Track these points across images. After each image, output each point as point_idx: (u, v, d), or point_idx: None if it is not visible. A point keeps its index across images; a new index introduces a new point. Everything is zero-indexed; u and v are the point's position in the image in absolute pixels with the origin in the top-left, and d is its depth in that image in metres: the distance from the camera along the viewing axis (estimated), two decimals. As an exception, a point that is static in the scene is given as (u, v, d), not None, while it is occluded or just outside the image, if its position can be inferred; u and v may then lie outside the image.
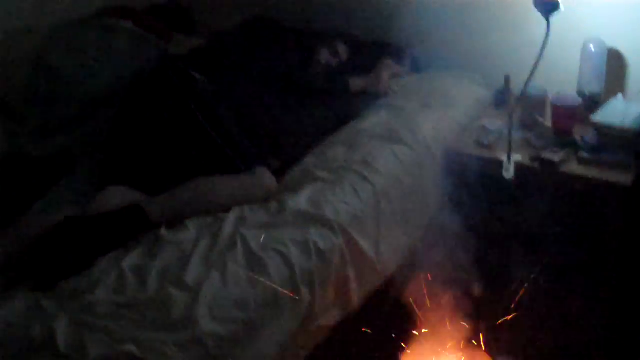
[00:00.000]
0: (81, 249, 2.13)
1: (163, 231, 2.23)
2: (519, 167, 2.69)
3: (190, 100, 2.54)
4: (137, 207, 2.28)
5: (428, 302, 2.49)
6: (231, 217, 2.30)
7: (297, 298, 2.10)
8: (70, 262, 2.09)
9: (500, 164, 2.68)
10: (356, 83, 3.15)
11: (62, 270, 2.06)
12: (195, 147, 2.50)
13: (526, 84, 2.62)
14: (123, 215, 2.25)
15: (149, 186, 2.42)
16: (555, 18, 2.58)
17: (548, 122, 2.91)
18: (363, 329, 2.39)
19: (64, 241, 2.12)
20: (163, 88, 2.61)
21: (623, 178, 2.60)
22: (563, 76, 3.06)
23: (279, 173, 2.59)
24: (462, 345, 2.40)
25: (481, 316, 2.49)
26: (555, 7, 2.57)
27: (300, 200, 2.36)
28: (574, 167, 2.70)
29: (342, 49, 3.30)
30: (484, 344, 2.40)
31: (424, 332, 2.45)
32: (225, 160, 2.48)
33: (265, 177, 2.48)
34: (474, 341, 2.41)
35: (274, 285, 2.03)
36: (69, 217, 2.17)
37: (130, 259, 2.10)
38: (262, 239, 2.17)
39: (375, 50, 3.38)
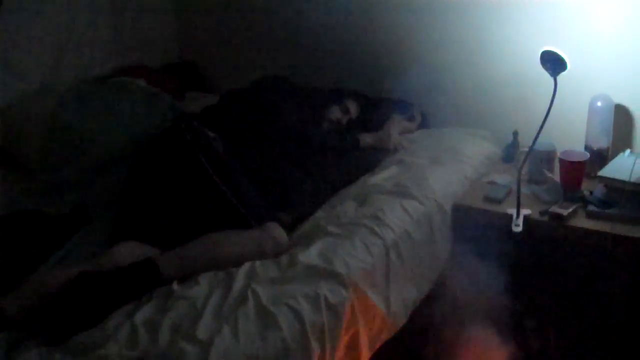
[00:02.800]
0: (94, 303, 2.14)
1: (175, 286, 2.25)
2: (528, 221, 2.71)
3: (203, 157, 2.59)
4: (149, 262, 2.30)
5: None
6: (242, 271, 2.31)
7: (307, 352, 2.10)
8: (83, 316, 2.10)
9: (509, 218, 2.72)
10: (366, 140, 3.20)
11: (75, 325, 2.07)
12: (207, 203, 2.54)
13: (535, 139, 2.66)
14: (136, 270, 2.27)
15: (162, 241, 2.45)
16: (562, 75, 2.63)
17: (556, 177, 2.93)
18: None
19: (77, 296, 2.14)
20: (176, 145, 2.66)
21: (632, 231, 2.61)
22: (571, 132, 3.10)
23: (289, 228, 2.61)
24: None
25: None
26: (562, 66, 2.63)
27: (311, 255, 2.38)
28: (582, 221, 2.72)
29: (352, 106, 3.35)
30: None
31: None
32: (236, 215, 2.52)
33: (276, 232, 2.50)
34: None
35: (285, 340, 2.04)
36: (83, 272, 2.20)
37: (143, 314, 2.11)
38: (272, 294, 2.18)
39: (385, 106, 3.43)
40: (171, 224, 2.51)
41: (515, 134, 3.21)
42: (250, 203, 2.56)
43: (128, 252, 2.38)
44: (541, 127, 2.62)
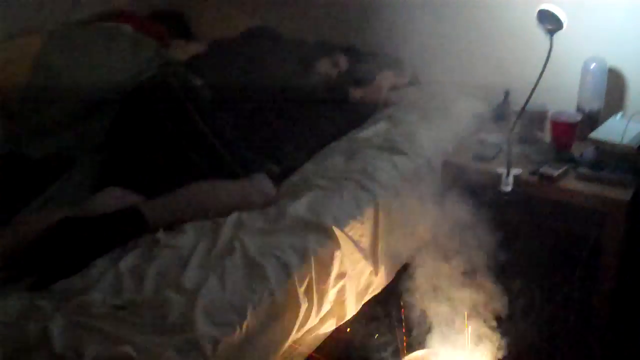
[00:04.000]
0: (78, 249, 2.10)
1: (160, 234, 2.21)
2: (517, 180, 2.69)
3: (190, 104, 2.54)
4: (134, 210, 2.26)
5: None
6: (229, 222, 2.28)
7: (296, 305, 2.08)
8: (66, 262, 2.07)
9: (498, 177, 2.69)
10: (356, 93, 3.15)
11: (59, 271, 2.04)
12: (194, 151, 2.49)
13: (528, 99, 2.62)
14: (120, 217, 2.23)
15: (147, 189, 2.40)
16: (556, 35, 2.60)
17: (547, 138, 2.91)
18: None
19: (61, 241, 2.10)
20: (163, 91, 2.60)
21: (622, 194, 2.60)
22: (563, 93, 3.06)
23: (278, 180, 2.57)
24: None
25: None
26: (559, 25, 2.58)
27: (299, 207, 2.35)
28: (572, 183, 2.70)
29: (342, 60, 3.30)
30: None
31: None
32: (223, 165, 2.48)
33: (263, 183, 2.47)
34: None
35: (272, 291, 2.02)
36: (67, 218, 2.15)
37: (128, 261, 2.08)
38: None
39: (375, 61, 3.38)
40: (157, 171, 2.47)
41: (507, 93, 3.17)
42: (238, 153, 2.52)
43: (113, 198, 2.34)
44: (535, 86, 2.58)
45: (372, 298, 2.49)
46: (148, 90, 2.65)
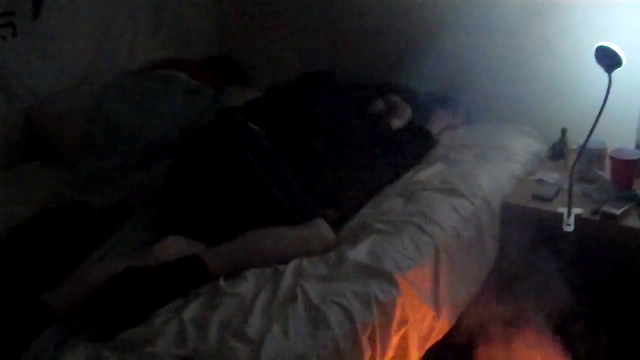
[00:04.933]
0: (142, 299, 2.11)
1: (222, 282, 2.21)
2: (579, 220, 2.65)
3: (248, 151, 2.54)
4: (196, 258, 2.26)
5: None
6: (290, 268, 2.27)
7: (359, 351, 2.06)
8: (130, 313, 2.07)
9: (559, 217, 2.65)
10: (396, 123, 3.17)
11: (123, 321, 2.04)
12: (253, 198, 2.49)
13: (587, 136, 2.59)
14: (182, 266, 2.24)
15: (207, 237, 2.41)
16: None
17: (607, 176, 2.87)
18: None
19: (124, 291, 2.11)
20: (221, 138, 2.61)
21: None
22: (621, 130, 3.03)
23: (336, 225, 2.56)
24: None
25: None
26: (618, 63, 2.55)
27: (360, 252, 2.33)
28: (635, 221, 2.65)
29: (397, 100, 3.29)
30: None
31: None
32: (283, 211, 2.47)
33: (323, 229, 2.46)
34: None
35: (336, 339, 2.00)
36: (130, 267, 2.17)
37: (191, 311, 2.07)
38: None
39: (429, 101, 3.38)
40: (216, 219, 2.47)
41: (564, 130, 3.14)
42: (297, 199, 2.51)
43: (174, 247, 2.35)
44: (595, 123, 2.55)
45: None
46: (206, 137, 2.66)
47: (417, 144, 3.12)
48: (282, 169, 2.59)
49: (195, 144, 2.68)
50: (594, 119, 2.53)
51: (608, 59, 2.57)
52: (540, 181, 2.95)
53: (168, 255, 2.29)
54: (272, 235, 2.40)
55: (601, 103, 2.52)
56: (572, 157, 2.78)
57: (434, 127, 3.26)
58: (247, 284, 2.20)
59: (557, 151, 3.15)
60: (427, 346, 2.38)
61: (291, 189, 2.53)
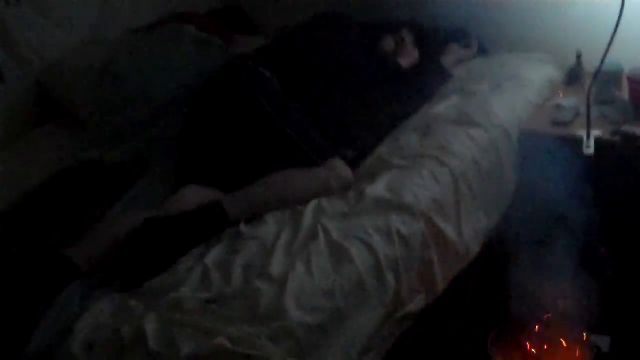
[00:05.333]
0: (164, 248, 2.11)
1: (243, 227, 2.21)
2: (599, 142, 2.62)
3: (261, 96, 2.52)
4: (215, 205, 2.26)
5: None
6: (310, 209, 2.27)
7: (383, 285, 2.06)
8: (153, 262, 2.08)
9: (579, 141, 2.62)
10: (405, 62, 3.13)
11: (147, 271, 2.05)
12: (269, 143, 2.48)
13: (603, 57, 2.54)
14: (202, 213, 2.24)
15: (224, 184, 2.41)
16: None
17: (625, 97, 2.82)
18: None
19: (146, 242, 2.11)
20: (233, 86, 2.60)
21: None
22: (637, 50, 2.97)
23: (353, 164, 2.55)
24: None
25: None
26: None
27: (379, 188, 2.32)
28: (656, 140, 2.62)
29: (407, 36, 3.25)
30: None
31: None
32: (299, 153, 2.46)
33: (340, 168, 2.44)
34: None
35: (360, 274, 2.00)
36: (150, 218, 2.17)
37: (213, 256, 2.08)
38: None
39: (440, 35, 3.33)
40: (233, 166, 2.47)
41: (579, 54, 3.09)
42: (312, 141, 2.50)
43: (192, 196, 2.35)
44: (609, 45, 2.50)
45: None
46: (218, 86, 2.64)
47: (430, 78, 3.08)
48: (296, 112, 2.57)
49: (208, 93, 2.66)
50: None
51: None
52: (558, 106, 2.92)
53: (187, 205, 2.30)
54: (289, 178, 2.39)
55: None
56: (589, 81, 2.73)
57: (447, 61, 3.23)
58: (268, 227, 2.20)
59: (573, 76, 3.11)
60: (451, 276, 2.36)
61: (306, 131, 2.51)
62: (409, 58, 3.15)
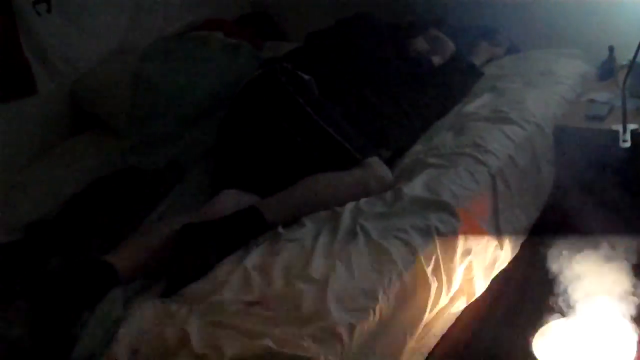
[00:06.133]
0: (203, 253, 2.12)
1: (281, 229, 2.21)
2: (636, 136, 2.59)
3: (300, 98, 2.52)
4: (253, 209, 2.26)
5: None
6: (347, 209, 2.26)
7: (426, 285, 2.05)
8: (193, 266, 2.08)
9: (615, 134, 2.59)
10: (436, 59, 3.12)
11: (187, 275, 2.05)
12: (310, 144, 2.47)
13: (637, 50, 2.52)
14: (240, 218, 2.24)
15: (262, 188, 2.41)
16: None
17: (660, 89, 2.80)
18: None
19: (185, 247, 2.12)
20: (272, 88, 2.60)
21: None
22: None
23: (388, 163, 2.54)
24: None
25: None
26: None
27: (416, 187, 2.32)
28: (693, 131, 2.59)
29: (438, 35, 3.24)
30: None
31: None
32: (341, 152, 2.45)
33: (379, 168, 2.43)
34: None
35: (400, 273, 1.99)
36: (189, 224, 2.17)
37: (253, 259, 2.07)
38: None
39: (471, 33, 3.32)
40: (272, 168, 2.47)
41: (612, 48, 3.07)
42: (351, 139, 2.48)
43: (230, 200, 2.35)
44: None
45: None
46: (257, 88, 2.65)
47: (462, 77, 3.08)
48: (334, 113, 2.57)
49: (246, 97, 2.67)
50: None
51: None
52: (592, 101, 2.90)
53: (225, 210, 2.29)
54: (328, 180, 2.38)
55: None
56: (623, 74, 2.71)
57: (478, 59, 3.22)
58: (306, 229, 2.20)
59: (606, 70, 3.09)
60: (492, 276, 2.35)
61: (346, 131, 2.51)
62: (443, 54, 3.14)
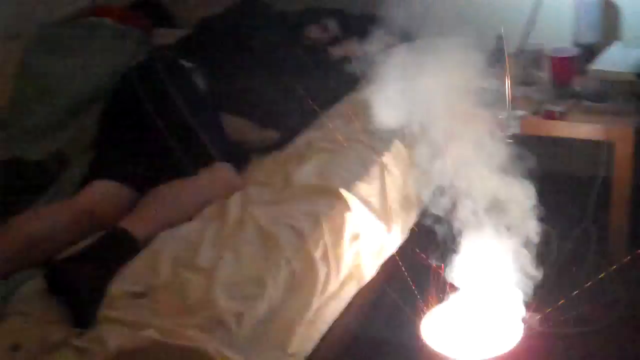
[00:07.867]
0: (81, 294, 1.87)
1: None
2: (522, 122, 2.65)
3: (174, 89, 2.48)
4: (122, 233, 2.09)
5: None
6: (235, 198, 2.25)
7: (314, 272, 2.04)
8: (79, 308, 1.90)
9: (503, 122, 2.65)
10: (335, 51, 3.13)
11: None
12: (173, 137, 2.42)
13: (523, 38, 2.58)
14: (110, 245, 2.07)
15: (135, 181, 2.36)
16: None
17: (547, 77, 2.86)
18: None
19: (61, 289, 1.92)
20: (148, 77, 2.55)
21: (628, 123, 2.56)
22: (558, 30, 3.01)
23: (278, 146, 2.57)
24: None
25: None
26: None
27: (306, 173, 2.33)
28: (576, 117, 2.67)
29: (332, 25, 3.25)
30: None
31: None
32: (196, 151, 2.42)
33: (225, 173, 2.39)
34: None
35: (289, 260, 1.98)
36: (51, 266, 1.97)
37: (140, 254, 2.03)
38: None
39: (364, 22, 3.32)
40: (140, 162, 2.42)
41: (500, 36, 3.11)
42: (216, 141, 2.46)
43: (99, 191, 2.30)
44: (529, 25, 2.54)
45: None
46: (133, 78, 2.58)
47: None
48: (206, 107, 2.55)
49: (123, 86, 2.61)
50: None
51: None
52: (481, 89, 2.93)
53: (94, 202, 2.25)
54: (180, 191, 2.31)
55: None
56: (510, 62, 2.77)
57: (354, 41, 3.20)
58: (191, 224, 2.17)
59: (495, 58, 3.13)
60: (381, 261, 2.36)
61: (209, 129, 2.47)
62: (345, 49, 3.14)
